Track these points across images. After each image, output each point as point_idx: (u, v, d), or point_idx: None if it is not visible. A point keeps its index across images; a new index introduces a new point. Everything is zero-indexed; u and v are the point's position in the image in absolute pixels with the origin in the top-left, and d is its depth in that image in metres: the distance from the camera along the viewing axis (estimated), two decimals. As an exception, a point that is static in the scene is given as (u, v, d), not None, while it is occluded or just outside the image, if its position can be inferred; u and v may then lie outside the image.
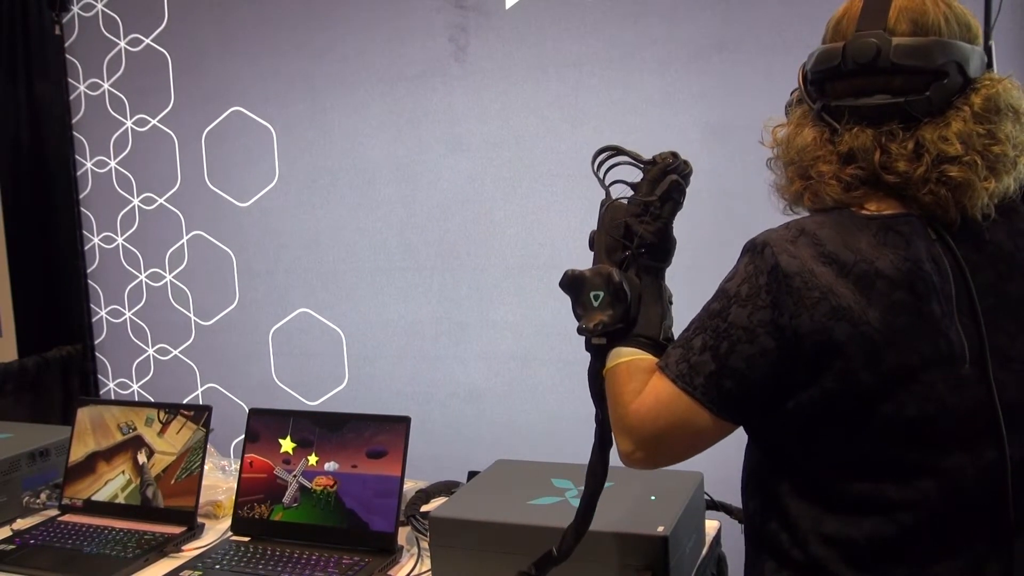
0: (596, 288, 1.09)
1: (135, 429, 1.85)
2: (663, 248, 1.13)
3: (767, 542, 1.07)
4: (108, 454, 1.85)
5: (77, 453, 1.88)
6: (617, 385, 1.08)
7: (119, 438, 1.85)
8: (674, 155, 1.15)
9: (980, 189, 0.96)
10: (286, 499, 1.67)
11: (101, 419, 1.88)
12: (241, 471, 1.73)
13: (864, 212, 0.99)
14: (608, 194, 1.15)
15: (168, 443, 1.81)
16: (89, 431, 1.88)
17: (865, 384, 0.94)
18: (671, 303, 1.14)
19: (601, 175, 1.16)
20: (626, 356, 1.08)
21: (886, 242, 0.96)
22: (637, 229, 1.11)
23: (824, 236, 0.97)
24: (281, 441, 1.70)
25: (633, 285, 1.09)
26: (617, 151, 1.17)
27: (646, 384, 1.04)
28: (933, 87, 0.97)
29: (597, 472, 1.18)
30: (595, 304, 1.09)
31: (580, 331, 1.11)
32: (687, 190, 1.16)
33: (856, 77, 0.99)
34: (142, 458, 1.81)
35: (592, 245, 1.15)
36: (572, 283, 1.11)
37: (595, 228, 1.16)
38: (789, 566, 1.04)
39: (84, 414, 1.90)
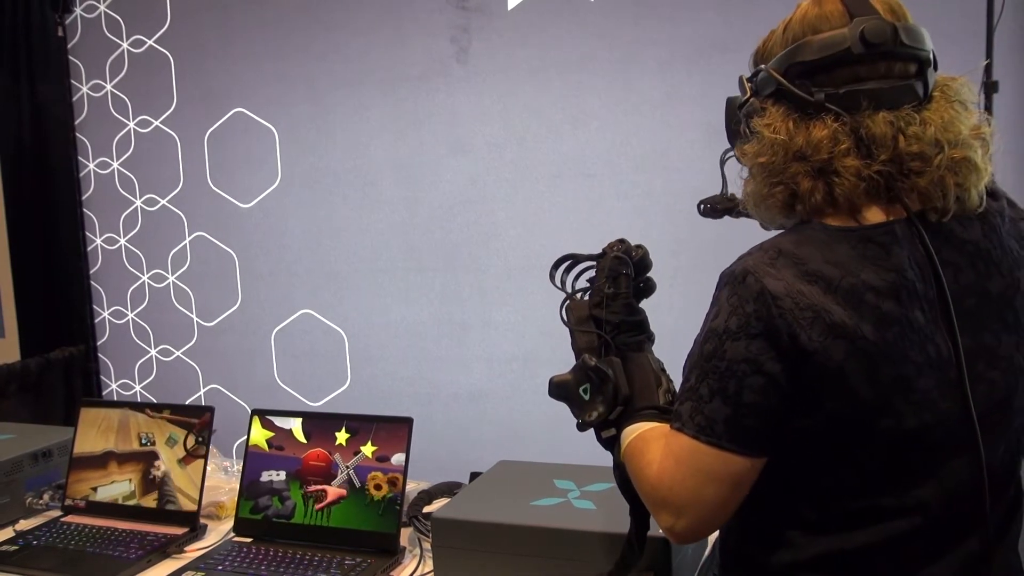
0: (581, 383, 1.10)
1: (153, 443, 1.81)
2: (633, 323, 1.13)
3: (749, 560, 1.06)
4: (121, 457, 1.84)
5: (89, 445, 1.86)
6: (634, 462, 1.04)
7: (136, 447, 1.83)
8: (621, 241, 1.17)
9: (984, 171, 0.96)
10: (336, 482, 1.66)
11: (126, 422, 1.85)
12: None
13: (837, 225, 0.96)
14: (569, 297, 1.17)
15: (189, 479, 1.75)
16: (114, 429, 1.85)
17: (865, 400, 0.92)
18: (664, 370, 1.13)
19: (568, 288, 1.18)
20: (634, 431, 1.06)
21: (865, 254, 0.93)
22: (602, 315, 1.12)
23: (804, 254, 0.94)
24: (336, 434, 1.69)
25: (614, 364, 1.09)
26: (573, 259, 1.19)
27: (661, 451, 1.00)
28: (928, 72, 0.97)
29: (625, 552, 1.16)
30: (586, 398, 1.09)
31: (580, 427, 1.11)
32: (653, 262, 1.18)
33: (859, 63, 0.96)
34: (156, 472, 1.79)
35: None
36: (559, 387, 1.13)
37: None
38: None
39: (114, 413, 1.89)
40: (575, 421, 1.13)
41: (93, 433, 1.88)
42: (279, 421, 1.74)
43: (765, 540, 1.03)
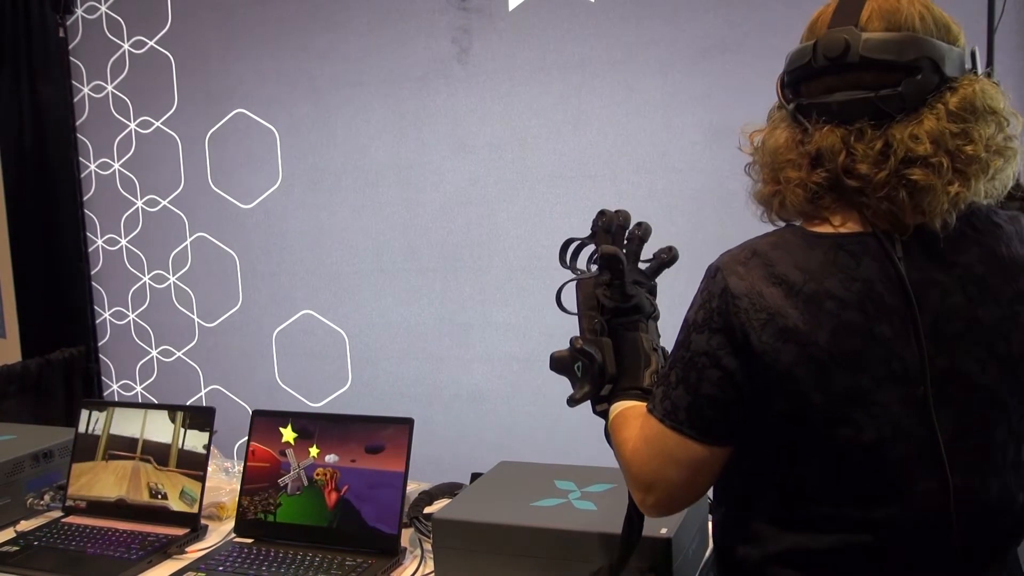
0: (575, 360, 1.14)
1: (165, 497, 1.76)
2: (628, 308, 1.15)
3: (728, 553, 1.07)
4: (133, 509, 1.80)
5: (107, 491, 1.83)
6: (614, 438, 1.09)
7: (145, 498, 1.79)
8: (600, 213, 1.19)
9: (941, 193, 0.92)
10: (289, 487, 1.67)
11: (137, 472, 1.80)
12: (246, 460, 1.73)
13: (817, 230, 0.97)
14: (578, 278, 1.20)
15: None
16: (127, 478, 1.81)
17: (818, 406, 0.93)
18: (656, 348, 1.15)
19: (580, 268, 1.21)
20: (616, 410, 1.10)
21: (836, 262, 0.94)
22: (599, 298, 1.15)
23: (775, 257, 0.96)
24: (282, 430, 1.70)
25: (603, 345, 1.13)
26: (579, 243, 1.21)
27: (637, 429, 1.04)
28: (905, 83, 0.94)
29: (625, 536, 1.17)
30: (579, 375, 1.14)
31: (570, 402, 1.14)
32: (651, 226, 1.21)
33: (826, 75, 0.97)
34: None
35: None
36: (558, 362, 1.16)
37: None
38: None
39: (127, 464, 1.83)
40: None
41: (112, 480, 1.84)
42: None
43: (739, 533, 1.05)
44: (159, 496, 1.78)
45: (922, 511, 0.95)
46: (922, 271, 0.95)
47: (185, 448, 1.79)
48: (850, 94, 0.95)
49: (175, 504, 1.76)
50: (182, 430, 1.80)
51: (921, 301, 0.93)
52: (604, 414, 1.14)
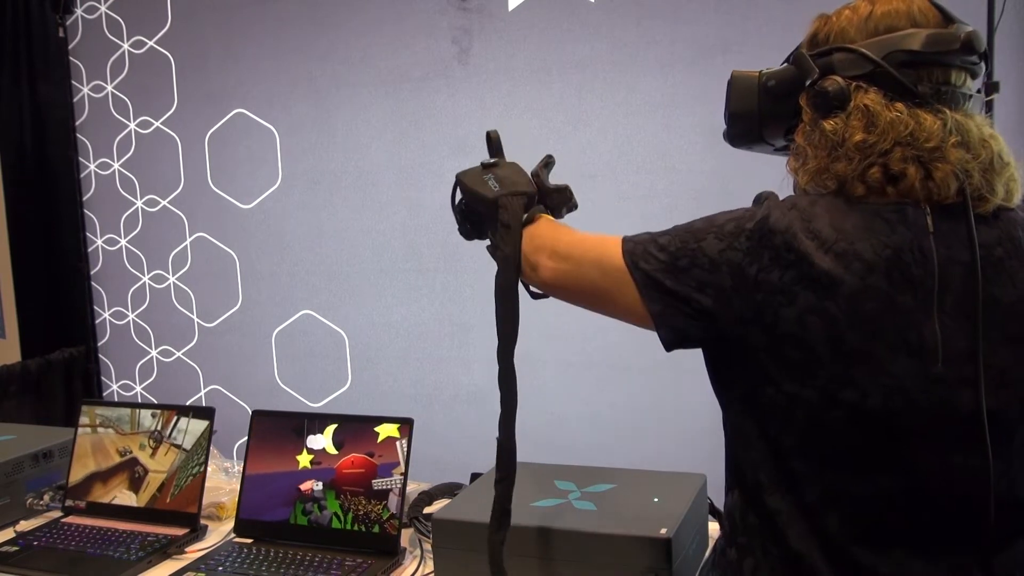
0: (485, 172, 1.30)
1: (131, 452, 1.85)
2: (563, 187, 1.33)
3: (744, 536, 1.06)
4: (106, 474, 1.86)
5: (78, 473, 1.88)
6: (551, 226, 1.23)
7: (117, 460, 1.86)
8: (548, 155, 1.37)
9: (1019, 176, 1.01)
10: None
11: (101, 444, 1.88)
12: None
13: (857, 195, 0.98)
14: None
15: (158, 463, 1.81)
16: (90, 454, 1.89)
17: (823, 360, 0.93)
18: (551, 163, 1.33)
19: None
20: (551, 218, 1.23)
21: (871, 227, 0.95)
22: (544, 175, 1.33)
23: (813, 213, 0.97)
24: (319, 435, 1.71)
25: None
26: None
27: (590, 234, 1.12)
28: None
29: (508, 380, 1.22)
30: (496, 188, 1.28)
31: (505, 198, 1.28)
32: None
33: (952, 66, 1.00)
34: (139, 471, 1.82)
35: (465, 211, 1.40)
36: (471, 180, 1.32)
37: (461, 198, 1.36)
38: (768, 560, 1.02)
39: (85, 439, 1.90)
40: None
41: (87, 458, 1.89)
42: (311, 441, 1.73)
43: (757, 511, 1.04)
44: (127, 454, 1.84)
45: (929, 490, 0.95)
46: (949, 249, 0.96)
47: (184, 446, 1.80)
48: (958, 88, 1.00)
49: (139, 454, 1.83)
50: (182, 429, 1.81)
51: (946, 278, 0.95)
52: (507, 230, 1.29)
